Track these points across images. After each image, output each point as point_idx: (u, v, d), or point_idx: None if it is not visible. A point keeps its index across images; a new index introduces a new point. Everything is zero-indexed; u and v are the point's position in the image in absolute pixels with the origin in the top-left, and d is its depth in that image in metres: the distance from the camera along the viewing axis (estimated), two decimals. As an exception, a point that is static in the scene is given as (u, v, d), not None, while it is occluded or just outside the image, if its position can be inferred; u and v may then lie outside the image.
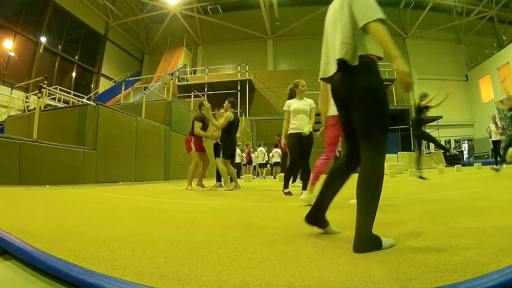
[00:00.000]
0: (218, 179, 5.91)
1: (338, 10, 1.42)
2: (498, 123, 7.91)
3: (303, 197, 2.89)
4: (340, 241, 1.40)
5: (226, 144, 4.99)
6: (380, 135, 1.29)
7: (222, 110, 5.38)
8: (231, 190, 4.85)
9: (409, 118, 16.30)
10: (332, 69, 1.43)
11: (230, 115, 4.91)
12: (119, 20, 22.46)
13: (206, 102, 5.24)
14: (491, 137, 7.75)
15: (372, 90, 1.29)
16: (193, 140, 5.30)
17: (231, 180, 5.31)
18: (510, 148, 6.08)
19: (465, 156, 20.68)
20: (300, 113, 3.78)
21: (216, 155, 5.21)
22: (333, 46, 1.42)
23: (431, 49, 22.72)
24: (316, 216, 1.49)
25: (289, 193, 3.89)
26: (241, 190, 4.87)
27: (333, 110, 2.66)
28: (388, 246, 1.22)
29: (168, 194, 4.50)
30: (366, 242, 1.19)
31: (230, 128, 4.99)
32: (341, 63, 1.35)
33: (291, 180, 4.37)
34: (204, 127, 5.36)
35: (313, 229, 1.52)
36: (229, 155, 5.06)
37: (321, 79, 1.56)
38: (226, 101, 5.15)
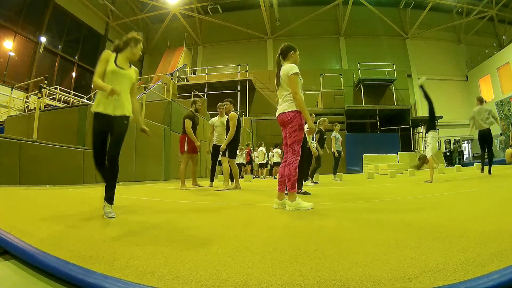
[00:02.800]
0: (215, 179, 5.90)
1: (483, 109, 5.96)
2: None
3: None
4: (341, 239, 1.41)
5: (232, 144, 4.98)
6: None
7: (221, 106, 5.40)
8: (229, 189, 4.84)
9: (409, 118, 16.25)
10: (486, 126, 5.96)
11: (235, 114, 4.93)
12: (119, 20, 22.45)
13: (198, 99, 5.38)
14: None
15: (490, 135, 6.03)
16: (186, 140, 5.23)
17: (232, 180, 5.29)
18: (508, 148, 6.21)
19: (465, 156, 20.68)
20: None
21: (220, 155, 5.20)
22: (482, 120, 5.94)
23: (431, 49, 22.71)
24: None
25: (306, 193, 3.86)
26: (241, 190, 4.86)
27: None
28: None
29: (167, 194, 4.49)
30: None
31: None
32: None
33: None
34: (194, 125, 5.33)
35: (312, 228, 1.52)
36: (235, 155, 5.08)
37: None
38: (228, 103, 5.13)
